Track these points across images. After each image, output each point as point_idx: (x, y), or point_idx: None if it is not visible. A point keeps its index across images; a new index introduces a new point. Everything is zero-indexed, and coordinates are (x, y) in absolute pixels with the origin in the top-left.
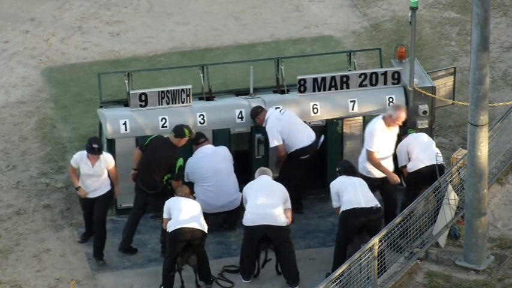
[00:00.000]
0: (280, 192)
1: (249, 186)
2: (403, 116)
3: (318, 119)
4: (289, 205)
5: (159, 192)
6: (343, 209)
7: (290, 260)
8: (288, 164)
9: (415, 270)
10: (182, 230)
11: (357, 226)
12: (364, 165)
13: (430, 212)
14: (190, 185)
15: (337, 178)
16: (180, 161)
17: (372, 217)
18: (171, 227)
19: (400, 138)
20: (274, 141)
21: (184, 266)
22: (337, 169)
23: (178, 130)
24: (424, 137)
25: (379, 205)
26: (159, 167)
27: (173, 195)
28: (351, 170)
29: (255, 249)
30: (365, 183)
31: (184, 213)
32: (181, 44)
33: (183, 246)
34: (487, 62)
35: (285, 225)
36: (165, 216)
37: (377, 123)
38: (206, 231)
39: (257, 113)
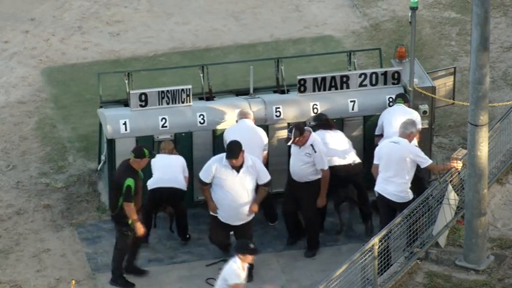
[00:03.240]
0: (260, 139)
1: (231, 132)
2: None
3: None
4: (266, 147)
5: (114, 215)
6: None
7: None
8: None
9: (415, 270)
10: (160, 190)
11: (335, 181)
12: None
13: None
14: None
15: (316, 132)
16: (128, 181)
17: (348, 173)
18: (150, 185)
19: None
20: (326, 165)
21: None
22: (314, 123)
23: (138, 151)
24: (400, 112)
25: (357, 160)
26: (112, 189)
27: (126, 221)
28: (327, 124)
29: None
30: (342, 135)
31: (163, 171)
32: (181, 44)
33: (160, 203)
34: (487, 62)
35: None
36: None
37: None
38: (185, 189)
39: (303, 132)
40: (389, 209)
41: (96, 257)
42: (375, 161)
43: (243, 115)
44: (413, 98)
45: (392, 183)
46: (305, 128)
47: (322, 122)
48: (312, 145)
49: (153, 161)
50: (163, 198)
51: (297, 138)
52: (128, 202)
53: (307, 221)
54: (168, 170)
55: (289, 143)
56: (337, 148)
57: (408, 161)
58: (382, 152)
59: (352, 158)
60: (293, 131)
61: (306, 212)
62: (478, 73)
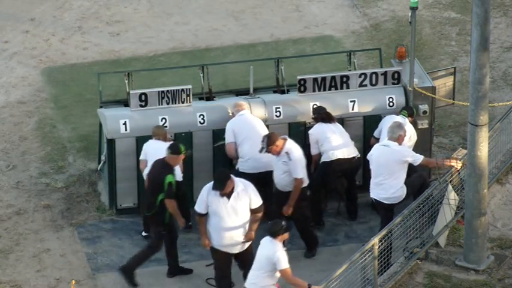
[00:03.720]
0: (264, 127)
1: (236, 125)
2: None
3: None
4: None
5: (153, 214)
6: (325, 159)
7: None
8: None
9: (415, 270)
10: None
11: (336, 174)
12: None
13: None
14: None
15: (316, 125)
16: (169, 178)
17: (351, 166)
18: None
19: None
20: (302, 173)
21: None
22: (313, 115)
23: (175, 147)
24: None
25: (358, 155)
26: (150, 187)
27: (165, 216)
28: (328, 117)
29: None
30: (342, 129)
31: None
32: (181, 44)
33: None
34: (487, 62)
35: None
36: (142, 157)
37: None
38: (181, 179)
39: (274, 140)
40: (388, 210)
41: (96, 257)
42: (371, 166)
43: (239, 107)
44: (413, 98)
45: (384, 186)
46: (281, 136)
47: (322, 115)
48: (287, 152)
49: (146, 148)
50: None
51: (270, 147)
52: (170, 199)
53: (299, 227)
54: None
55: (261, 152)
56: (339, 141)
57: (399, 162)
58: (373, 156)
59: (355, 151)
60: (265, 140)
61: (296, 220)
62: (478, 73)
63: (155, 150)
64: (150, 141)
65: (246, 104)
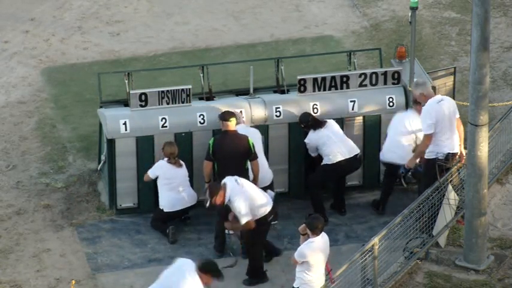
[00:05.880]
0: (259, 138)
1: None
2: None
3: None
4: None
5: None
6: (327, 162)
7: None
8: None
9: (415, 270)
10: (178, 211)
11: (338, 176)
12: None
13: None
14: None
15: (310, 134)
16: (250, 140)
17: (354, 165)
18: (166, 207)
19: None
20: (246, 217)
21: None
22: (302, 125)
23: (230, 114)
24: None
25: (359, 152)
26: (237, 159)
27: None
28: (317, 122)
29: None
30: (336, 127)
31: (178, 191)
32: (181, 44)
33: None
34: (487, 62)
35: None
36: (150, 175)
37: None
38: (196, 202)
39: (215, 192)
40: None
41: (96, 257)
42: (429, 131)
43: (233, 115)
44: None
45: (455, 137)
46: (220, 184)
47: (311, 123)
48: (229, 200)
49: (158, 171)
50: (178, 215)
51: (214, 198)
52: (256, 160)
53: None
54: (184, 189)
55: (207, 206)
56: (338, 145)
57: (454, 114)
58: (437, 116)
59: (356, 148)
60: (207, 193)
61: (247, 237)
62: (478, 73)
63: (165, 175)
64: (164, 163)
65: (236, 113)
